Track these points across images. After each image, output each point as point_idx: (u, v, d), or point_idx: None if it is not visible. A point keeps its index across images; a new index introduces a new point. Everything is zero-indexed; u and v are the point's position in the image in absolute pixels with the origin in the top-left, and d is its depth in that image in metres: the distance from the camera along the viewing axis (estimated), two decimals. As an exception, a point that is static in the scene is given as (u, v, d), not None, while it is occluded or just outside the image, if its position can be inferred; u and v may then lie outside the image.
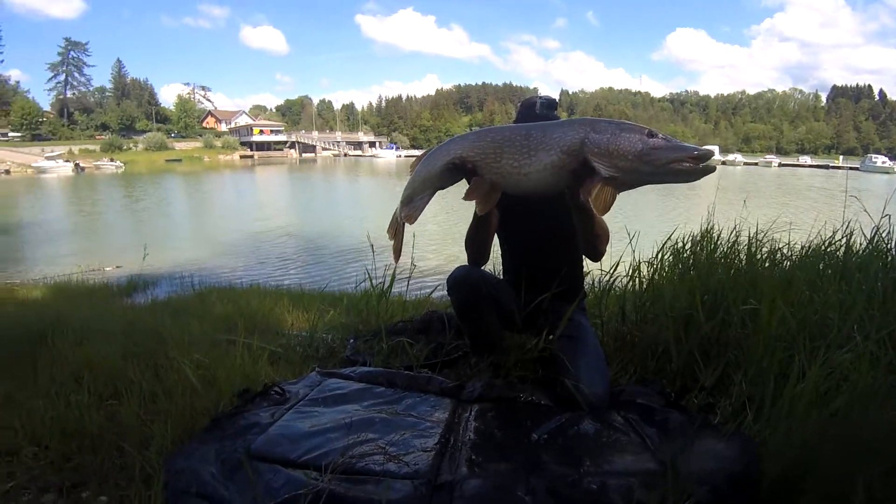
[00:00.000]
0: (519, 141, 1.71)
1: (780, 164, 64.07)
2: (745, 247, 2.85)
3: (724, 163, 65.00)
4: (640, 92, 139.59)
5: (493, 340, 2.24)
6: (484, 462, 1.53)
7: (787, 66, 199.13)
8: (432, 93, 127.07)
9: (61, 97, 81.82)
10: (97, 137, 72.36)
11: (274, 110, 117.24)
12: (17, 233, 14.95)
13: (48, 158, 53.58)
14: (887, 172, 50.57)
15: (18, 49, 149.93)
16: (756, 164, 64.78)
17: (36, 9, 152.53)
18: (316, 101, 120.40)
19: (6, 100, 72.61)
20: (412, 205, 1.89)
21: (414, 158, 1.98)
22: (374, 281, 3.18)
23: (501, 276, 2.42)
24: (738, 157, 68.23)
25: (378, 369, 2.19)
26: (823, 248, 2.81)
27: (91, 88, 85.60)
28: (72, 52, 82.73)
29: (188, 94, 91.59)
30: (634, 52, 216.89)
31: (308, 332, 2.97)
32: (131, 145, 69.60)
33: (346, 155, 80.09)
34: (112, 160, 56.85)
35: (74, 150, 63.20)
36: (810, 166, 63.89)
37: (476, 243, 2.13)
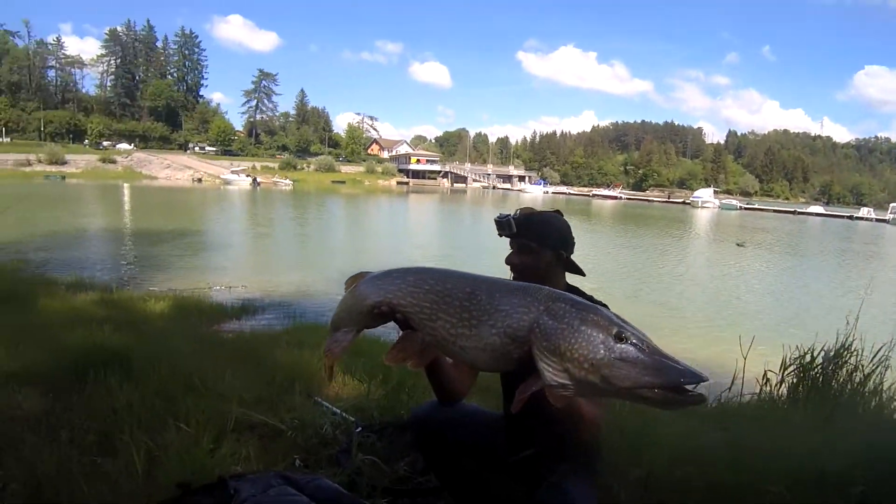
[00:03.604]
0: (459, 302, 1.31)
1: None
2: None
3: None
4: (819, 136, 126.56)
5: (465, 485, 1.87)
6: None
7: None
8: (587, 129, 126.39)
9: (252, 119, 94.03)
10: (277, 157, 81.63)
11: (433, 141, 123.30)
12: (191, 239, 17.10)
13: (233, 172, 61.67)
14: None
15: (222, 75, 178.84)
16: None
17: (240, 41, 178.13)
18: (473, 134, 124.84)
19: (207, 118, 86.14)
20: (335, 338, 1.50)
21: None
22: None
23: None
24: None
25: (331, 487, 1.97)
26: None
27: (277, 114, 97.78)
28: (263, 82, 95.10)
29: (358, 122, 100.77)
30: (816, 90, 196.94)
31: (342, 402, 2.92)
32: (304, 165, 77.12)
33: (494, 188, 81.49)
34: (285, 178, 63.66)
35: (257, 166, 71.61)
36: None
37: (435, 387, 1.74)
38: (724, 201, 69.02)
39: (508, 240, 1.81)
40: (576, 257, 1.80)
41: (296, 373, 3.50)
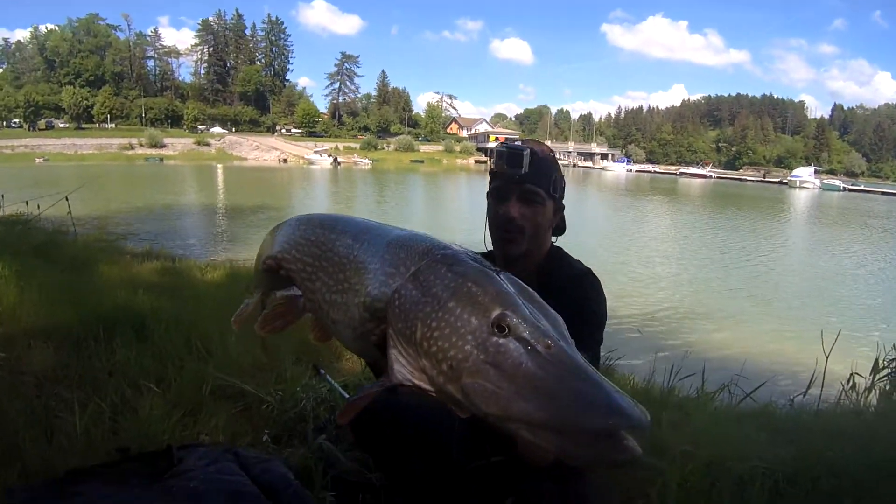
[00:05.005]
0: (338, 258, 0.94)
1: None
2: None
3: None
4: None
5: (414, 489, 1.50)
6: None
7: None
8: (677, 104, 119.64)
9: (335, 102, 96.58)
10: (359, 137, 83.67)
11: (513, 119, 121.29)
12: (266, 214, 17.65)
13: (316, 152, 64.35)
14: None
15: (307, 59, 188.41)
16: None
17: (324, 25, 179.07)
18: (554, 111, 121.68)
19: (293, 102, 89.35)
20: (245, 303, 1.26)
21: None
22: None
23: None
24: None
25: (279, 471, 1.71)
26: None
27: (359, 95, 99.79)
28: (346, 64, 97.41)
29: (437, 101, 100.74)
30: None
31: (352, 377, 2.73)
32: (384, 145, 78.85)
33: (575, 165, 79.40)
34: (365, 158, 65.71)
35: (340, 146, 73.75)
36: None
37: (372, 369, 1.33)
38: (825, 181, 63.41)
39: (496, 184, 1.39)
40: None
41: (309, 343, 3.35)
